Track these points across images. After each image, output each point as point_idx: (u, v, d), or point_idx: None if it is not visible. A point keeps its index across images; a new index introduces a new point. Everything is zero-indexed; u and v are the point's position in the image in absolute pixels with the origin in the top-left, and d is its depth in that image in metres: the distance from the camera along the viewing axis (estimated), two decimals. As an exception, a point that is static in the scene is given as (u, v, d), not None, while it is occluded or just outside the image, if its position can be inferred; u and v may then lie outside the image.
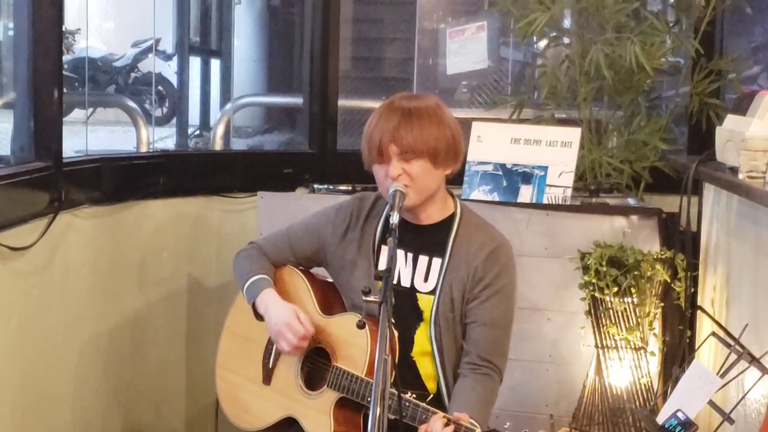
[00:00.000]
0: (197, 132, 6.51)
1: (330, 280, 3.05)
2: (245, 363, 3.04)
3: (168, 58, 7.61)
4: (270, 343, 2.98)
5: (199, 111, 6.65)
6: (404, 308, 2.79)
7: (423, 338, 2.86)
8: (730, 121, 3.30)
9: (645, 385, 3.45)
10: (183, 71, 6.72)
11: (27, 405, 3.47)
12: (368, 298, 2.54)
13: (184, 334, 4.31)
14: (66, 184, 3.62)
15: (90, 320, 3.87)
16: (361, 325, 2.75)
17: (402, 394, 2.56)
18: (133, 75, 8.39)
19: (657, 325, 3.49)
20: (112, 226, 3.98)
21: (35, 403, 3.53)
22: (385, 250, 2.90)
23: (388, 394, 2.31)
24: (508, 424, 2.54)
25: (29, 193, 3.47)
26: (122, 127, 7.02)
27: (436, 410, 2.64)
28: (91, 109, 6.77)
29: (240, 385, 3.04)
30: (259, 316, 2.93)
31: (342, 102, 4.66)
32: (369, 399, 2.72)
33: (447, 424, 2.54)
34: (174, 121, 7.32)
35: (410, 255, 2.89)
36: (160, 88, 7.90)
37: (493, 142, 3.79)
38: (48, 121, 3.54)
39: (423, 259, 2.89)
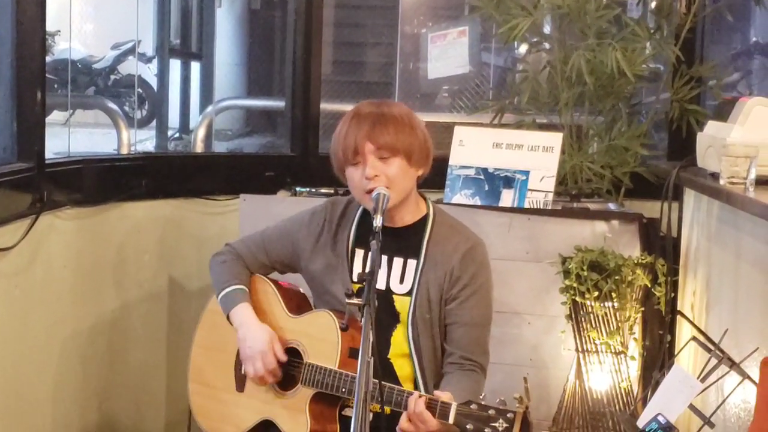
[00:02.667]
0: (177, 135, 6.50)
1: (298, 289, 3.07)
2: (217, 374, 3.04)
3: (148, 60, 7.58)
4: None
5: (179, 114, 6.64)
6: (380, 310, 2.78)
7: (400, 340, 2.88)
8: (712, 127, 3.33)
9: (625, 389, 3.47)
10: (163, 74, 6.72)
11: (7, 405, 3.46)
12: (351, 301, 2.54)
13: (164, 336, 4.30)
14: (48, 185, 3.62)
15: (71, 321, 3.87)
16: (344, 328, 2.78)
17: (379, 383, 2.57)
18: (113, 77, 8.33)
19: (637, 329, 3.52)
20: (94, 227, 3.97)
21: (15, 403, 3.52)
22: (359, 254, 2.94)
23: (370, 397, 2.32)
24: (483, 394, 2.57)
25: (11, 193, 3.46)
26: (102, 130, 6.99)
27: (411, 390, 2.68)
28: (71, 111, 6.76)
29: (213, 396, 3.04)
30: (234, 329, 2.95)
31: (324, 105, 4.67)
32: (343, 390, 2.77)
33: (422, 399, 2.58)
34: (154, 123, 7.31)
35: (385, 257, 2.90)
36: (140, 90, 7.87)
37: (475, 146, 3.81)
38: (30, 122, 3.55)
39: (398, 261, 2.90)
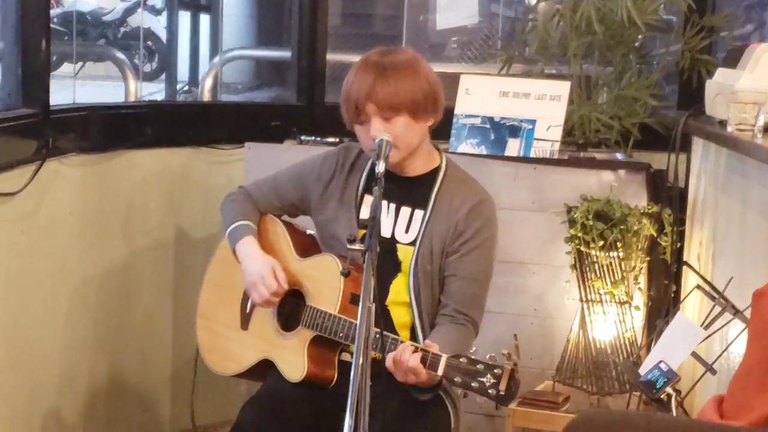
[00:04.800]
0: (186, 87, 6.47)
1: (309, 231, 3.08)
2: (224, 311, 3.07)
3: (157, 12, 7.56)
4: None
5: (188, 66, 6.60)
6: (382, 258, 2.78)
7: (399, 288, 2.88)
8: (720, 74, 3.30)
9: (629, 339, 3.46)
10: (172, 26, 6.68)
11: (15, 354, 3.47)
12: (353, 246, 2.53)
13: (170, 285, 4.31)
14: (53, 132, 3.61)
15: (77, 269, 3.87)
16: (345, 273, 2.77)
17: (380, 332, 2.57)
18: (122, 30, 8.31)
19: (642, 279, 3.50)
20: (100, 174, 3.97)
21: (23, 352, 3.54)
22: (367, 201, 2.93)
23: (372, 343, 2.32)
24: (474, 348, 2.57)
25: (16, 139, 3.46)
26: (111, 82, 6.99)
27: (404, 340, 2.69)
28: (80, 63, 6.74)
29: (219, 332, 3.08)
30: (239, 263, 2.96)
31: (330, 56, 4.64)
32: (341, 335, 2.78)
33: (415, 351, 2.58)
34: (163, 76, 7.28)
35: (393, 206, 2.90)
36: (149, 43, 7.85)
37: (481, 95, 3.78)
38: (36, 68, 3.53)
39: (405, 211, 2.90)
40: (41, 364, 3.69)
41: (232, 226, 2.99)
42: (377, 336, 2.45)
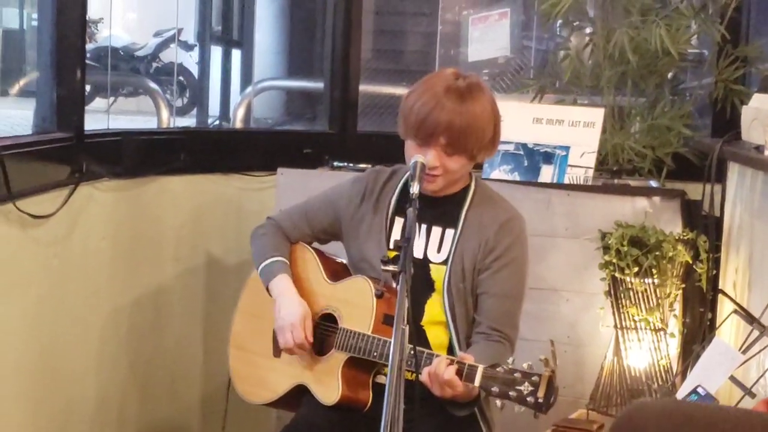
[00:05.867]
0: (217, 122, 6.52)
1: (340, 260, 3.07)
2: (256, 339, 3.06)
3: (189, 48, 7.64)
4: None
5: (219, 101, 6.66)
6: (416, 278, 2.77)
7: (434, 308, 2.87)
8: (757, 99, 3.28)
9: (664, 366, 3.42)
10: (204, 61, 6.74)
11: (47, 377, 3.47)
12: (387, 267, 2.52)
13: (201, 312, 4.31)
14: (87, 157, 3.63)
15: (110, 294, 3.87)
16: (379, 295, 2.77)
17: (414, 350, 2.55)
18: (154, 65, 8.41)
19: (677, 306, 3.46)
20: (132, 200, 3.98)
21: (55, 375, 3.53)
22: (398, 223, 2.94)
23: (405, 364, 2.30)
24: (511, 358, 2.54)
25: (50, 163, 3.47)
26: (143, 117, 7.05)
27: (438, 354, 2.66)
28: (112, 98, 6.80)
29: (251, 361, 3.07)
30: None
31: (363, 87, 4.66)
32: (375, 354, 2.76)
33: (450, 364, 2.55)
34: (194, 111, 7.34)
35: (424, 226, 2.90)
36: (180, 78, 7.91)
37: (515, 121, 3.76)
38: (70, 93, 3.56)
39: (436, 230, 2.90)
40: (74, 389, 3.68)
41: (266, 262, 2.98)
42: (411, 353, 2.43)
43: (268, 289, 2.96)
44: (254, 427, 4.06)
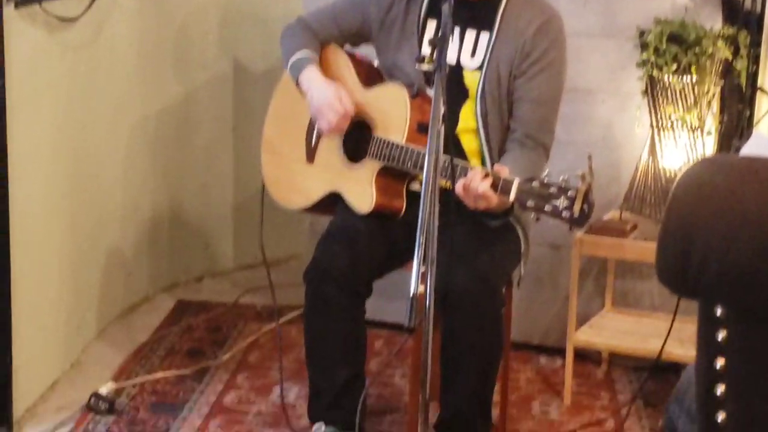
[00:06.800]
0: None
1: (374, 63, 3.01)
2: (289, 144, 3.03)
3: None
4: (312, 123, 2.95)
5: None
6: (449, 85, 2.70)
7: (468, 115, 2.82)
8: None
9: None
10: None
11: (80, 182, 3.48)
12: (422, 66, 2.45)
13: (230, 120, 4.28)
14: (110, -42, 3.54)
15: (137, 101, 3.85)
16: (414, 95, 2.72)
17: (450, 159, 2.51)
18: None
19: (715, 104, 3.40)
20: (157, 5, 3.91)
21: (87, 180, 3.54)
22: (430, 25, 2.87)
23: (442, 164, 2.26)
24: (547, 170, 2.51)
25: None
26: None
27: (473, 166, 2.63)
28: None
29: (284, 166, 3.04)
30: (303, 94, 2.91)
31: None
32: (409, 164, 2.73)
33: (485, 177, 2.52)
34: None
35: (457, 29, 2.83)
36: None
37: None
38: None
39: (470, 34, 2.83)
40: (105, 194, 3.70)
41: (294, 58, 2.92)
42: (447, 163, 2.39)
43: (297, 84, 2.90)
44: (286, 232, 4.10)
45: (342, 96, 2.83)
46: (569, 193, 2.44)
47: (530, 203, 2.48)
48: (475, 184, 2.53)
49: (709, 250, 1.35)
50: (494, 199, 2.52)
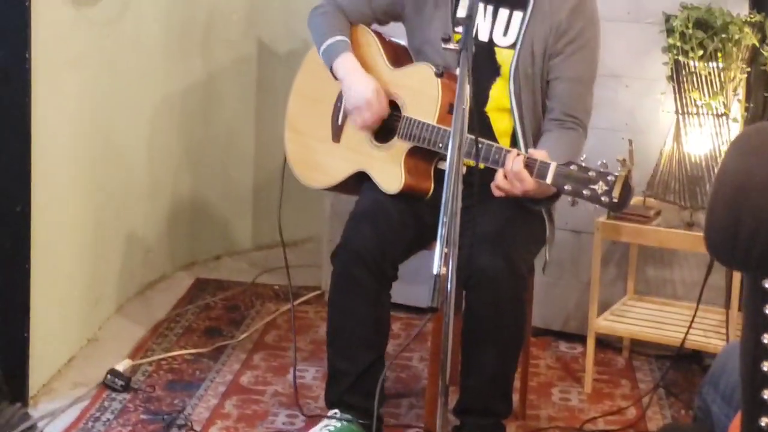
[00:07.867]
0: None
1: (401, 42, 2.97)
2: (314, 123, 3.00)
3: None
4: (339, 101, 2.93)
5: None
6: (481, 62, 2.69)
7: (499, 94, 2.80)
8: None
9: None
10: None
11: (103, 158, 3.48)
12: (447, 46, 2.43)
13: (253, 100, 4.28)
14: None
15: (162, 78, 3.85)
16: (439, 73, 2.69)
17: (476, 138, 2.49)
18: None
19: (741, 91, 3.37)
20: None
21: (110, 156, 3.55)
22: (463, 2, 2.81)
23: (466, 143, 2.24)
24: (584, 155, 2.49)
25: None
26: None
27: (510, 148, 2.61)
28: None
29: (309, 145, 3.01)
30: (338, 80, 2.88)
31: None
32: (440, 145, 2.70)
33: (518, 155, 2.52)
34: None
35: (490, 7, 2.81)
36: None
37: None
38: None
39: (503, 12, 2.81)
40: (129, 170, 3.70)
41: (327, 42, 2.87)
42: (471, 141, 2.37)
43: (331, 70, 2.87)
44: (305, 214, 4.09)
45: (380, 95, 2.81)
46: (608, 178, 2.43)
47: (568, 187, 2.47)
48: (509, 165, 2.52)
49: (760, 221, 1.33)
50: (529, 180, 2.51)
